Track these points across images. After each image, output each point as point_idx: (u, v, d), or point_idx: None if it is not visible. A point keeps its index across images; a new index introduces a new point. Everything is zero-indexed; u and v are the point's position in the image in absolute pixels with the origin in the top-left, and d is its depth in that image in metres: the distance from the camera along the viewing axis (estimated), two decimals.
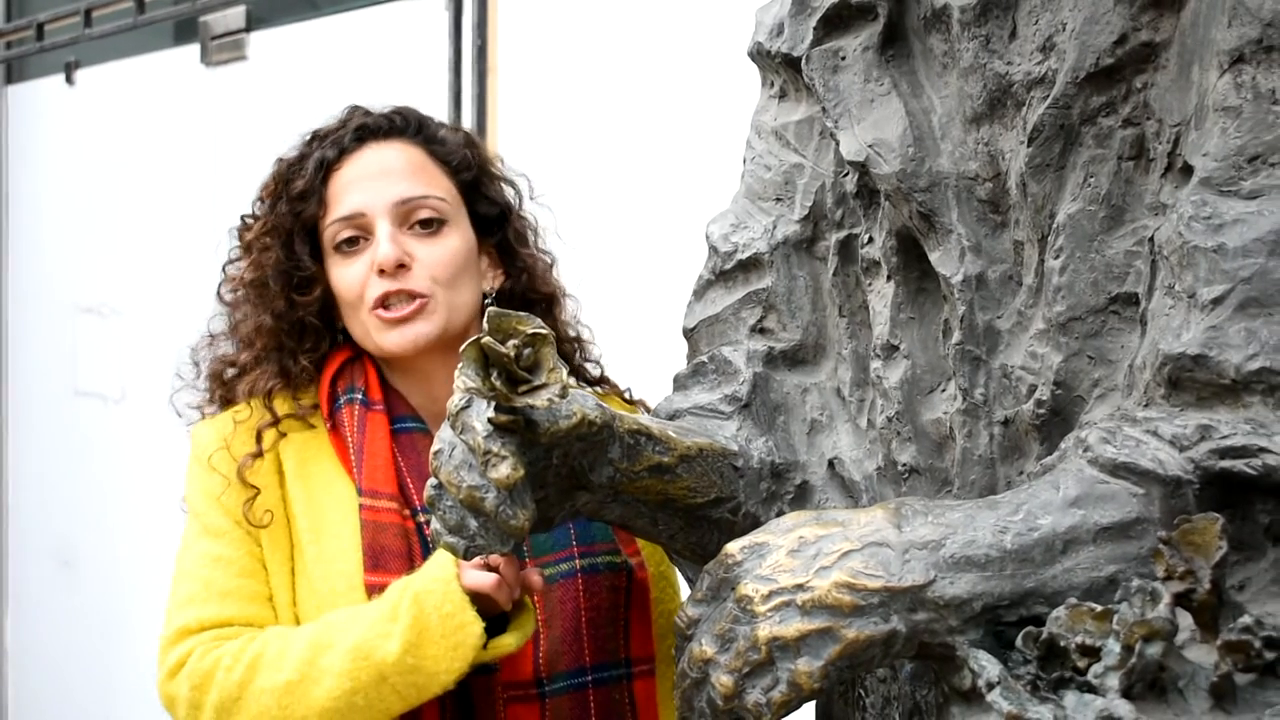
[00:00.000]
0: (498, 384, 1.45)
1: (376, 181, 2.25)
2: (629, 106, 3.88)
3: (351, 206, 2.25)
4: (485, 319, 1.46)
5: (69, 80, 6.02)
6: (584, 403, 1.60)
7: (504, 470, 1.48)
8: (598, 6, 4.02)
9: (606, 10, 3.99)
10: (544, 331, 1.47)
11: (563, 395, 1.48)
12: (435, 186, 2.28)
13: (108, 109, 5.85)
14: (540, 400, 1.46)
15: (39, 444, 6.28)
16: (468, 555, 1.54)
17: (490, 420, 1.49)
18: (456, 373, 1.46)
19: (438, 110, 3.67)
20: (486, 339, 1.44)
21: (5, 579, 6.40)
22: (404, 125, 2.32)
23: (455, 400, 1.52)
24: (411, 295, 2.21)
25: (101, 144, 5.87)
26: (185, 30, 5.62)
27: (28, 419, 6.35)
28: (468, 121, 3.92)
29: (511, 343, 1.45)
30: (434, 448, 1.55)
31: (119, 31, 5.45)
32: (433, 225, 2.26)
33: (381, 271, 2.21)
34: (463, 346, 1.47)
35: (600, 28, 3.99)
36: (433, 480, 1.55)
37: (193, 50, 5.45)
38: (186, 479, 2.30)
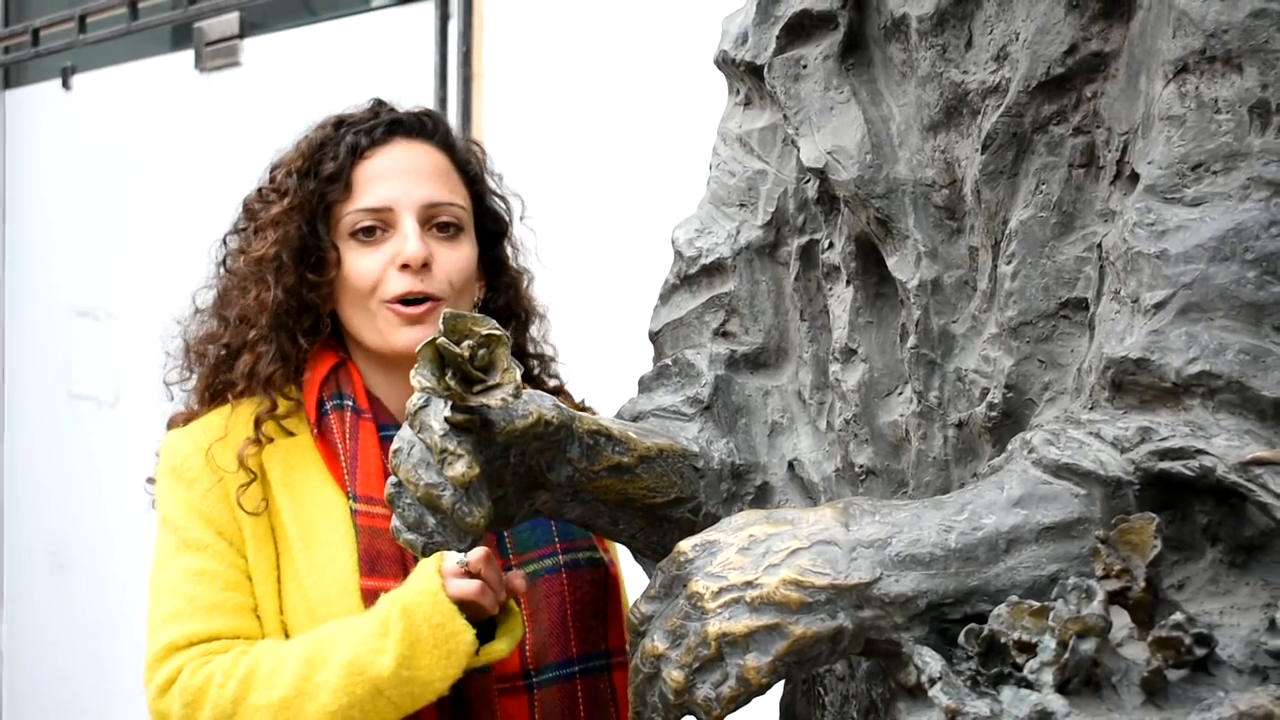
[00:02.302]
0: (452, 384, 1.48)
1: (406, 178, 2.28)
2: (609, 110, 3.91)
3: (380, 199, 2.27)
4: (441, 320, 1.50)
5: (65, 85, 6.06)
6: (541, 403, 1.63)
7: (460, 468, 1.51)
8: (579, 16, 4.06)
9: (587, 19, 4.03)
10: (499, 332, 1.50)
11: (516, 395, 1.51)
12: (457, 194, 2.32)
13: (104, 114, 5.89)
14: (494, 400, 1.49)
15: (34, 446, 6.31)
16: (426, 552, 1.57)
17: (447, 419, 1.52)
18: (413, 373, 1.49)
19: None
20: (441, 339, 1.47)
21: (1, 579, 6.43)
22: (433, 129, 2.36)
23: (413, 400, 1.55)
24: (427, 296, 2.24)
25: (97, 148, 5.91)
26: (180, 36, 5.66)
27: (23, 421, 6.38)
28: (453, 125, 3.95)
29: (466, 343, 1.48)
30: (393, 446, 1.58)
31: (113, 37, 5.49)
32: (450, 230, 2.29)
33: (405, 267, 2.23)
34: (419, 346, 1.50)
35: (581, 36, 4.04)
36: (392, 478, 1.58)
37: (187, 56, 5.49)
38: (159, 492, 2.29)
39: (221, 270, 2.39)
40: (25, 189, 6.36)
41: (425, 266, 2.23)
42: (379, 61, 4.63)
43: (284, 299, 2.26)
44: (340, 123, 2.33)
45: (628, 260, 3.62)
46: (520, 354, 2.43)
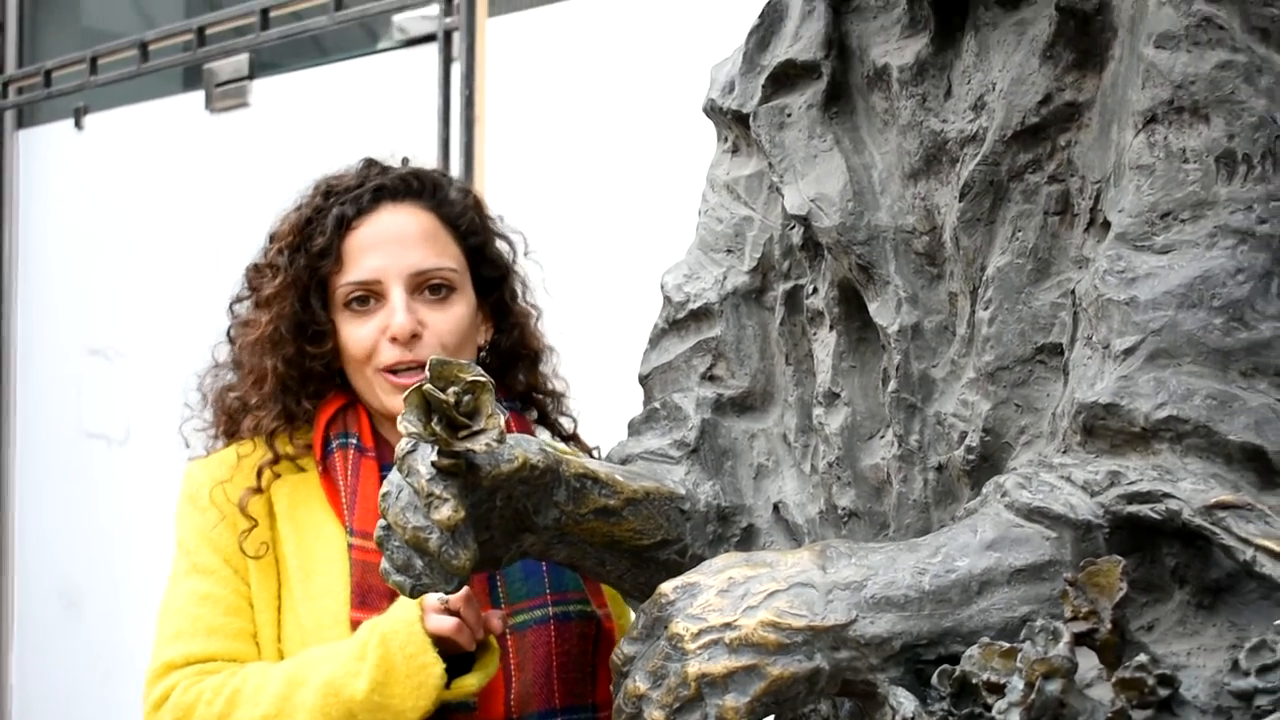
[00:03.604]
0: (438, 429, 1.51)
1: (392, 247, 2.32)
2: (607, 153, 3.96)
3: (368, 272, 2.32)
4: (428, 366, 1.53)
5: (78, 125, 6.12)
6: (527, 447, 1.67)
7: (446, 512, 1.54)
8: (578, 62, 4.12)
9: (586, 65, 4.09)
10: (483, 379, 1.54)
11: (500, 440, 1.54)
12: (446, 255, 2.35)
13: (115, 153, 5.94)
14: (479, 445, 1.53)
15: (45, 484, 6.34)
16: (414, 593, 1.60)
17: (433, 464, 1.56)
18: (400, 418, 1.53)
19: (427, 156, 3.75)
20: (427, 386, 1.51)
21: (10, 618, 6.46)
22: (419, 188, 2.39)
23: (402, 445, 1.59)
24: (419, 365, 2.28)
25: (108, 188, 5.96)
26: (191, 77, 5.72)
27: (34, 459, 6.42)
28: (455, 167, 4.00)
29: (452, 390, 1.52)
30: (383, 490, 1.61)
31: (124, 79, 5.55)
32: (442, 292, 2.33)
33: (394, 339, 2.28)
34: (405, 393, 1.53)
35: (580, 82, 4.09)
36: (382, 521, 1.62)
37: (197, 97, 5.54)
38: (177, 517, 2.37)
39: (229, 340, 2.46)
40: (37, 228, 6.42)
41: (415, 336, 2.29)
42: (385, 103, 4.68)
43: (285, 370, 2.34)
44: (329, 191, 2.38)
45: (624, 302, 3.66)
46: (531, 392, 2.47)
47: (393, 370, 2.29)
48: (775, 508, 1.89)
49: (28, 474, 6.45)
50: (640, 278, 3.70)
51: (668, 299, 2.01)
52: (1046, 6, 1.67)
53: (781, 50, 1.90)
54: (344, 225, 2.33)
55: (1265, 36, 1.52)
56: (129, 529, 5.72)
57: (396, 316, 2.28)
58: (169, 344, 5.46)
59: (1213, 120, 1.52)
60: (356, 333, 2.32)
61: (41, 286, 6.37)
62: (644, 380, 2.02)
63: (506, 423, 2.16)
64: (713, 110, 2.01)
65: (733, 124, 1.98)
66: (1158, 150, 1.54)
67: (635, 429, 1.98)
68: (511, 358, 2.44)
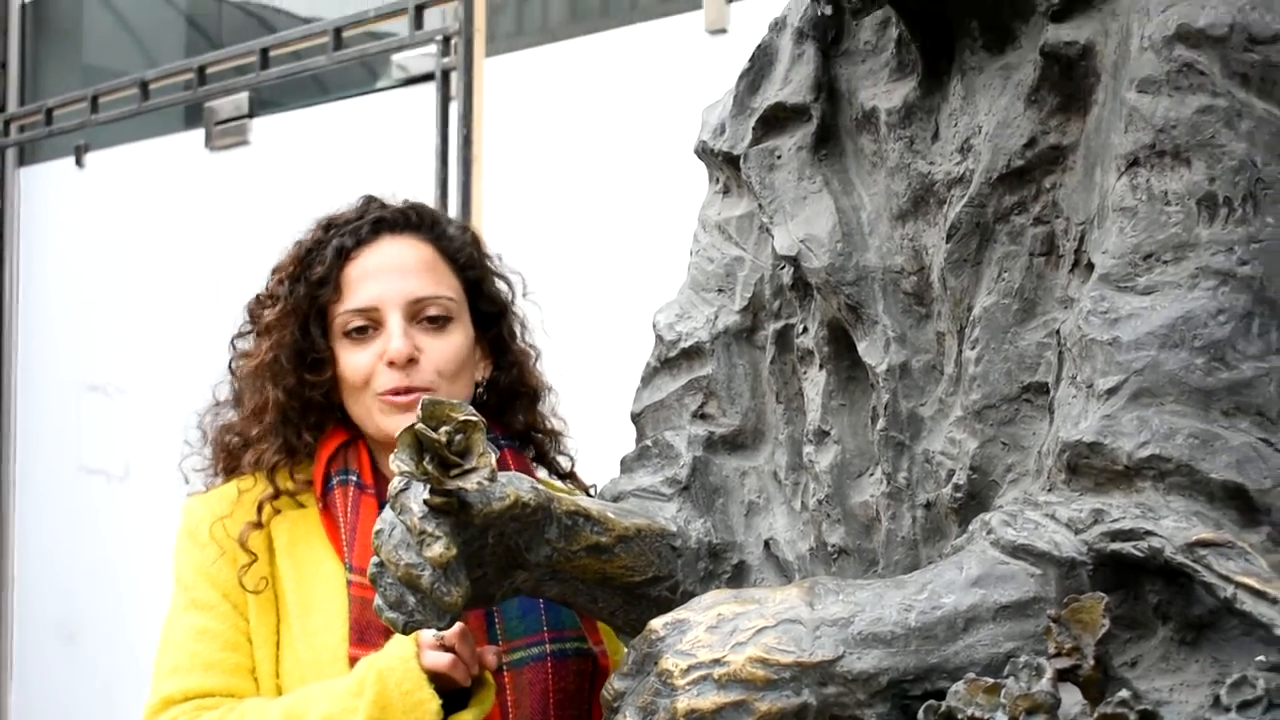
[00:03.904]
0: (429, 468, 1.54)
1: (391, 276, 2.35)
2: (603, 194, 4.00)
3: (366, 299, 2.35)
4: (420, 406, 1.56)
5: (78, 163, 6.16)
6: (519, 485, 1.69)
7: (438, 549, 1.57)
8: (574, 103, 4.16)
9: (582, 107, 4.13)
10: (475, 419, 1.56)
11: (491, 479, 1.57)
12: (444, 285, 2.38)
13: (115, 191, 5.98)
14: (470, 483, 1.55)
15: (44, 520, 6.36)
16: (407, 630, 1.63)
17: (426, 502, 1.58)
18: (392, 457, 1.55)
19: (425, 195, 3.79)
20: (419, 425, 1.54)
21: (9, 653, 6.47)
22: (418, 221, 2.43)
23: (395, 483, 1.61)
24: (414, 390, 2.30)
25: (109, 225, 6.00)
26: (191, 115, 5.76)
27: (34, 495, 6.44)
28: (453, 206, 4.03)
29: (444, 429, 1.54)
30: (376, 528, 1.64)
31: (124, 117, 5.59)
32: (439, 321, 2.36)
33: (391, 363, 2.31)
34: (399, 432, 1.56)
35: (575, 123, 4.13)
36: (375, 559, 1.64)
37: (198, 135, 5.59)
38: (176, 552, 2.39)
39: (230, 374, 2.48)
40: (38, 265, 6.45)
41: (412, 361, 2.31)
42: (384, 142, 4.72)
43: (285, 400, 2.36)
44: (329, 225, 2.41)
45: (619, 339, 3.69)
46: (529, 430, 2.50)
47: (391, 394, 2.31)
48: (766, 544, 1.91)
49: (27, 509, 6.46)
50: (636, 316, 3.74)
51: (660, 338, 2.03)
52: (1031, 52, 1.70)
53: (771, 93, 1.92)
54: (343, 255, 2.36)
55: (1245, 81, 1.54)
56: (128, 564, 5.74)
57: (394, 341, 2.30)
58: (168, 380, 5.50)
59: (1194, 164, 1.54)
60: (355, 359, 2.34)
61: (42, 323, 6.40)
62: (636, 418, 2.04)
63: (502, 460, 2.21)
64: (704, 152, 2.04)
65: (724, 165, 2.00)
66: (1140, 193, 1.56)
67: (628, 466, 2.00)
68: (510, 396, 2.47)
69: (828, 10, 1.75)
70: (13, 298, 6.52)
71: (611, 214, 3.99)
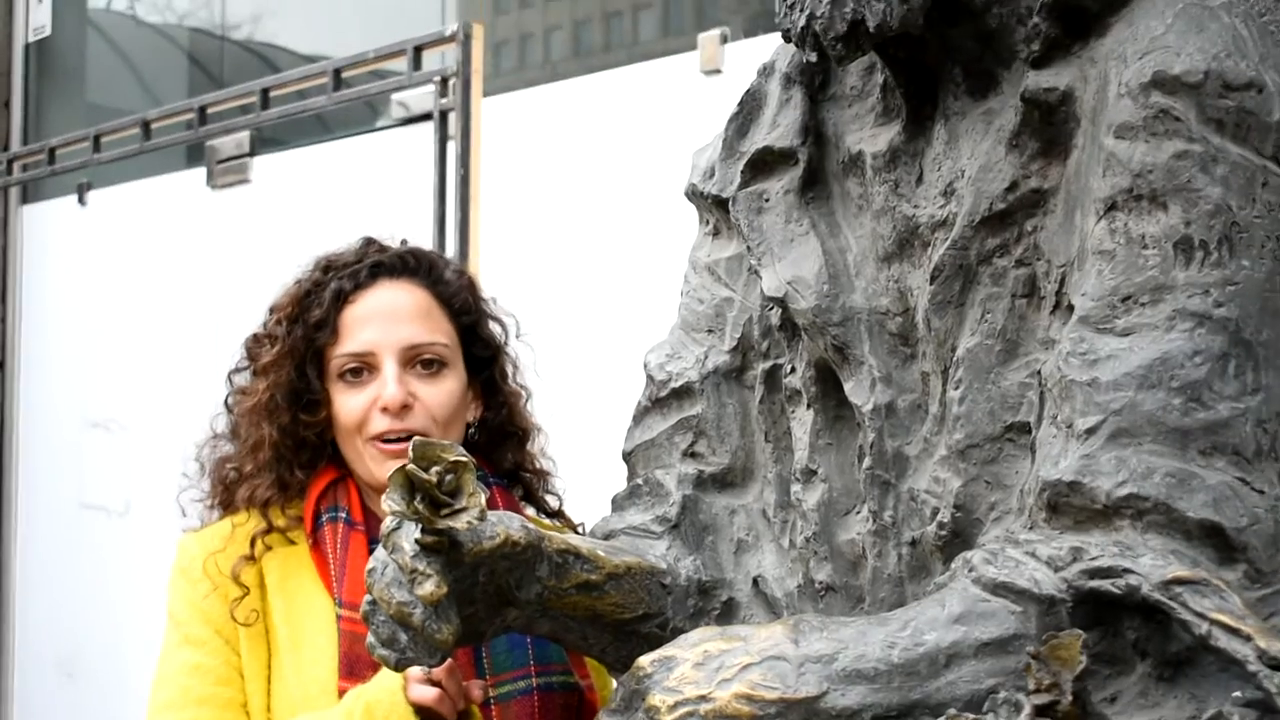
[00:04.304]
0: (420, 507, 1.57)
1: (387, 321, 2.38)
2: (598, 234, 4.04)
3: (362, 344, 2.38)
4: (411, 447, 1.59)
5: (81, 201, 6.20)
6: (509, 524, 1.72)
7: (429, 587, 1.59)
8: (570, 144, 4.20)
9: (577, 148, 4.17)
10: (465, 459, 1.59)
11: (481, 518, 1.60)
12: (439, 332, 2.41)
13: (118, 229, 6.02)
14: (460, 522, 1.58)
15: (45, 556, 6.38)
16: (399, 666, 1.65)
17: (417, 541, 1.61)
18: (384, 497, 1.58)
19: (423, 233, 3.82)
20: (411, 466, 1.57)
21: (9, 689, 6.48)
22: (415, 266, 2.46)
23: (387, 523, 1.64)
24: (409, 435, 2.33)
25: (111, 263, 6.04)
26: (193, 153, 5.80)
27: (34, 531, 6.46)
28: (451, 244, 4.07)
29: (434, 469, 1.57)
30: (368, 566, 1.66)
31: (126, 156, 5.63)
32: (434, 367, 2.39)
33: (385, 409, 2.34)
34: (390, 472, 1.59)
35: (571, 164, 4.17)
36: (368, 597, 1.67)
37: (199, 173, 5.63)
38: (169, 588, 2.42)
39: (227, 409, 2.52)
40: (41, 302, 6.49)
41: (406, 407, 2.34)
42: (383, 180, 4.76)
43: (279, 438, 2.39)
44: (328, 266, 2.44)
45: (616, 377, 3.72)
46: (518, 469, 2.52)
47: (383, 439, 2.34)
48: (755, 582, 1.94)
49: (28, 545, 6.48)
50: (633, 354, 3.77)
51: (650, 378, 2.06)
52: (1012, 97, 1.73)
53: (760, 137, 1.96)
54: (341, 299, 2.39)
55: (1220, 127, 1.57)
56: (128, 600, 5.76)
57: (388, 388, 2.34)
58: (169, 417, 5.52)
59: (1170, 208, 1.57)
60: (349, 403, 2.37)
61: (43, 359, 6.43)
62: (627, 457, 2.07)
63: (490, 499, 2.24)
64: (694, 195, 2.07)
65: (713, 208, 2.04)
66: (1118, 236, 1.59)
67: (619, 505, 2.03)
68: (500, 435, 2.50)
69: (813, 57, 1.78)
70: (15, 334, 6.56)
71: (607, 253, 4.02)
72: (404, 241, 2.53)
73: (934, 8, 1.72)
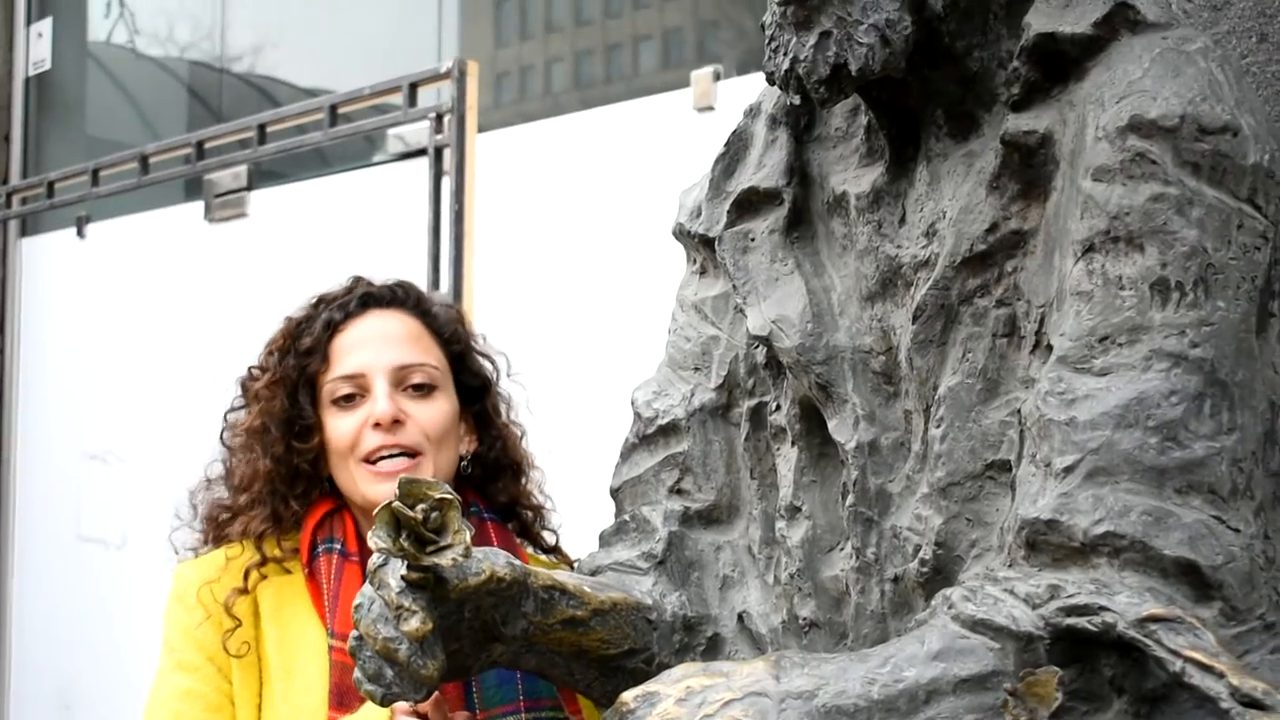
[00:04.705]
0: (406, 544, 1.59)
1: (377, 345, 2.42)
2: (592, 268, 4.06)
3: (353, 366, 2.41)
4: (397, 484, 1.61)
5: (80, 234, 6.23)
6: (494, 560, 1.74)
7: (414, 624, 1.61)
8: (562, 182, 4.23)
9: (573, 182, 4.20)
10: (450, 497, 1.61)
11: (466, 555, 1.62)
12: (429, 355, 2.45)
13: (116, 262, 6.05)
14: (445, 559, 1.60)
15: (43, 588, 6.39)
16: (384, 702, 1.67)
17: (403, 577, 1.63)
18: (370, 534, 1.60)
19: (418, 268, 3.85)
20: (396, 504, 1.59)
21: None
22: (404, 297, 2.51)
23: (374, 560, 1.66)
24: (404, 450, 2.36)
25: (109, 295, 6.06)
26: (191, 187, 5.84)
27: (32, 563, 6.47)
28: (445, 279, 4.09)
29: (420, 507, 1.59)
30: (355, 602, 1.68)
31: (123, 191, 5.66)
32: (424, 389, 2.42)
33: (377, 425, 2.37)
34: (376, 510, 1.61)
35: (565, 197, 4.20)
36: (355, 632, 1.68)
37: (197, 207, 5.66)
38: (164, 615, 2.46)
39: (222, 444, 2.55)
40: (39, 334, 6.51)
41: (397, 423, 2.37)
42: (379, 215, 4.79)
43: (273, 467, 2.42)
44: (319, 301, 2.49)
45: (608, 412, 3.74)
46: (513, 505, 2.55)
47: (373, 460, 2.37)
48: (740, 618, 1.95)
49: (26, 577, 6.49)
50: (626, 390, 3.80)
51: (638, 415, 2.08)
52: (993, 139, 1.76)
53: (745, 177, 1.98)
54: (332, 327, 2.43)
55: (1196, 170, 1.60)
56: (126, 632, 5.77)
57: (379, 404, 2.37)
58: (167, 450, 5.54)
59: (1147, 249, 1.59)
60: (342, 425, 2.40)
61: (42, 392, 6.45)
62: (615, 493, 2.09)
63: (485, 534, 2.25)
64: (681, 234, 2.09)
65: (700, 247, 2.06)
66: (1096, 277, 1.62)
67: (606, 541, 2.05)
68: (494, 469, 2.52)
69: (796, 100, 1.81)
70: (13, 367, 6.58)
71: (600, 289, 4.05)
72: (393, 278, 2.57)
73: (916, 51, 1.75)
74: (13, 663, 6.52)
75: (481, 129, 4.29)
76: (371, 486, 2.36)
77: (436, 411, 2.41)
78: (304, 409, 2.42)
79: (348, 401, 2.41)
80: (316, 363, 2.42)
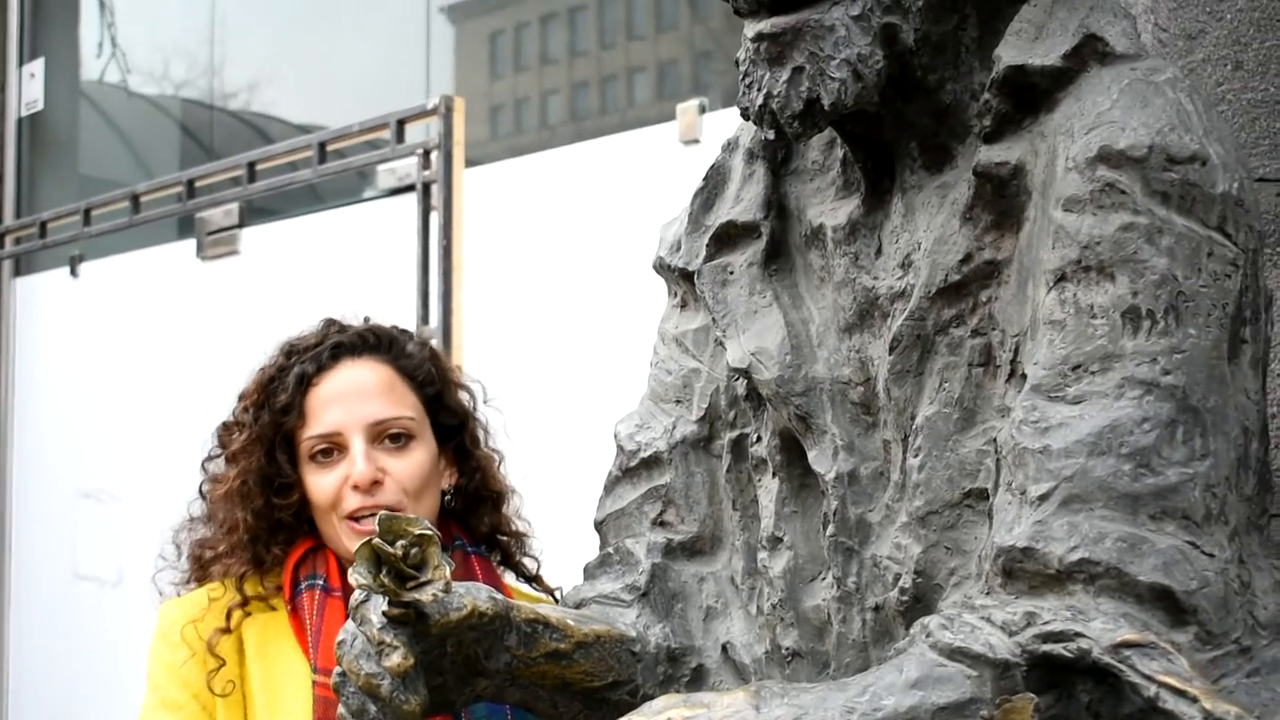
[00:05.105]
0: (387, 581, 1.60)
1: (352, 400, 2.45)
2: (580, 301, 4.08)
3: (329, 425, 2.44)
4: (377, 521, 1.62)
5: (73, 273, 6.25)
6: (476, 595, 1.75)
7: (396, 659, 1.63)
8: (554, 213, 4.25)
9: (561, 215, 4.22)
10: (430, 533, 1.63)
11: (446, 590, 1.63)
12: (404, 405, 2.47)
13: (109, 300, 6.07)
14: (426, 595, 1.61)
15: (39, 626, 6.39)
16: None
17: (384, 613, 1.64)
18: (351, 570, 1.62)
19: (408, 303, 3.86)
20: (376, 540, 1.60)
21: None
22: (376, 343, 2.52)
23: (355, 596, 1.68)
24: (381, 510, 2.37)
25: (103, 334, 6.08)
26: (183, 225, 5.86)
27: (28, 601, 6.47)
28: (434, 314, 4.11)
29: (400, 543, 1.61)
30: (338, 638, 1.70)
31: (114, 230, 5.69)
32: (401, 440, 2.45)
33: (356, 487, 2.39)
34: (356, 546, 1.62)
35: (555, 233, 4.22)
36: (338, 668, 1.70)
37: (189, 245, 5.68)
38: (150, 653, 2.48)
39: (201, 497, 2.57)
40: (33, 373, 6.53)
41: (376, 483, 2.40)
42: (369, 251, 4.81)
43: (254, 523, 2.45)
44: (290, 351, 2.51)
45: (598, 445, 3.75)
46: (494, 534, 2.56)
47: (356, 517, 2.40)
48: (724, 648, 1.96)
49: (23, 615, 6.50)
50: (604, 418, 3.81)
51: (620, 448, 2.09)
52: (966, 171, 1.77)
53: (724, 211, 1.99)
54: (305, 382, 2.45)
55: (1165, 199, 1.61)
56: (122, 669, 5.76)
57: (357, 466, 2.39)
58: (161, 487, 5.54)
59: (1118, 278, 1.61)
60: (321, 482, 2.43)
61: (36, 430, 6.46)
62: (599, 526, 2.10)
63: (468, 566, 2.27)
64: (662, 268, 2.11)
65: (680, 280, 2.08)
66: (1068, 306, 1.63)
67: (590, 573, 2.06)
68: (475, 501, 2.54)
69: (770, 135, 1.83)
70: (8, 406, 6.59)
71: (588, 321, 4.07)
72: (366, 319, 2.58)
73: (889, 85, 1.77)
74: (11, 699, 6.51)
75: (476, 162, 4.32)
76: (355, 542, 2.36)
77: (413, 465, 2.44)
78: (282, 467, 2.45)
79: (325, 456, 2.44)
80: (293, 420, 2.45)
